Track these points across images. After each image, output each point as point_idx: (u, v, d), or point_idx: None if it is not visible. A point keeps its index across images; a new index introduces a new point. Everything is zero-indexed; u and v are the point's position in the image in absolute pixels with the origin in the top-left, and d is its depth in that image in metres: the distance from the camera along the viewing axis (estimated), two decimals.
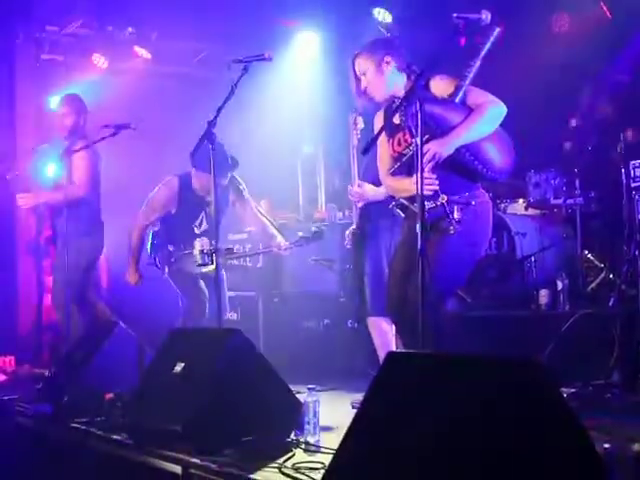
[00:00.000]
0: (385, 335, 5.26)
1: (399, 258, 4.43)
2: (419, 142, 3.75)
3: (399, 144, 4.39)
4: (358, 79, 4.54)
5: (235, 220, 7.49)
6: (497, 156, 4.23)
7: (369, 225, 5.41)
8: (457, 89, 4.19)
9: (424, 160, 3.88)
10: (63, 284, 6.47)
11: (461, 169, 4.21)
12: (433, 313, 4.06)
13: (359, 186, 5.40)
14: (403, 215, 4.44)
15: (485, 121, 4.17)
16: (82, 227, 6.61)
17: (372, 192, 5.35)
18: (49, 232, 6.96)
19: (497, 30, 4.15)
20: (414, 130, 4.08)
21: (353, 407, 4.99)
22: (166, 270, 6.55)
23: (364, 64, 4.51)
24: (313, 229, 6.37)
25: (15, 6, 8.05)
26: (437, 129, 4.10)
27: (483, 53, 4.19)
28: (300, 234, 6.37)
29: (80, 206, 6.59)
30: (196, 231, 6.46)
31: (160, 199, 6.54)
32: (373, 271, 5.33)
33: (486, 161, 4.20)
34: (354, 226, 5.53)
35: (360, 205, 5.48)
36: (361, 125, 5.57)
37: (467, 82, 4.19)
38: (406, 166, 4.30)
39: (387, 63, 4.46)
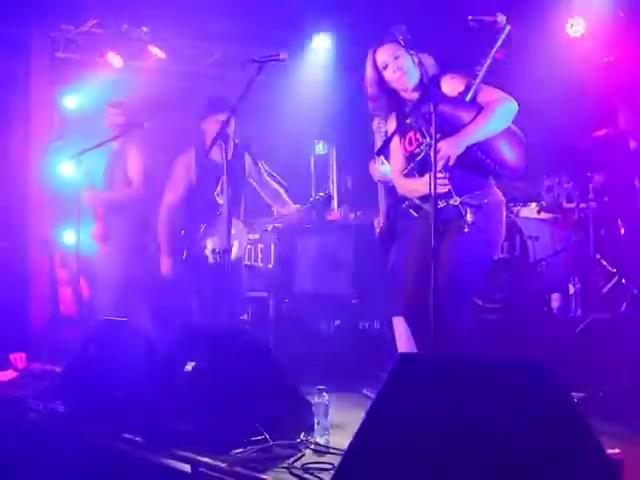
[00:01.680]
0: (409, 335, 5.23)
1: (412, 258, 4.41)
2: (433, 144, 3.76)
3: (410, 143, 4.38)
4: (378, 69, 4.44)
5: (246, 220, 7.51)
6: (510, 153, 4.22)
7: (398, 224, 5.39)
8: (467, 87, 4.19)
9: (437, 159, 3.88)
10: (111, 281, 6.62)
11: (473, 167, 4.20)
12: (454, 314, 4.07)
13: (382, 163, 5.40)
14: (416, 215, 4.44)
15: (496, 118, 4.16)
16: (134, 225, 6.74)
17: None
18: (101, 230, 7.02)
19: (508, 28, 4.14)
20: (424, 130, 4.09)
21: (366, 395, 5.09)
22: (184, 254, 6.43)
23: (395, 49, 4.38)
24: (321, 194, 6.32)
25: (31, 4, 8.06)
26: (448, 128, 4.09)
27: (494, 52, 4.17)
28: (311, 199, 6.33)
29: (133, 205, 6.74)
30: (219, 200, 6.39)
31: (179, 171, 6.47)
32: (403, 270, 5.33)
33: (498, 159, 4.19)
34: (380, 225, 5.54)
35: (383, 203, 5.51)
36: (385, 128, 5.58)
37: (478, 80, 4.18)
38: (418, 166, 4.30)
39: (412, 54, 4.42)
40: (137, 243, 6.81)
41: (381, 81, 4.43)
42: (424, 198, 4.25)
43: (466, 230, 4.06)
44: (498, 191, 4.37)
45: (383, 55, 4.41)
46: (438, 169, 3.90)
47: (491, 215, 4.27)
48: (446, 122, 4.09)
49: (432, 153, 3.80)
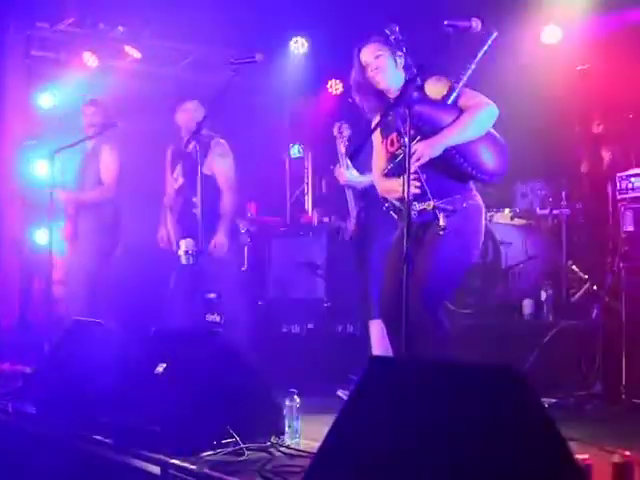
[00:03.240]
0: (385, 339, 5.21)
1: (392, 260, 4.38)
2: (407, 145, 3.78)
3: (392, 144, 4.39)
4: (362, 68, 4.45)
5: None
6: (489, 159, 4.22)
7: (369, 226, 5.41)
8: (450, 90, 4.20)
9: (412, 160, 3.89)
10: (80, 281, 6.59)
11: (452, 171, 4.20)
12: (430, 318, 4.08)
13: (347, 167, 5.46)
14: (396, 217, 4.44)
15: (476, 123, 4.17)
16: (104, 223, 6.74)
17: (357, 177, 5.42)
18: (70, 230, 6.99)
19: (494, 34, 4.17)
20: (402, 131, 4.11)
21: (339, 397, 5.12)
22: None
23: (377, 49, 4.39)
24: None
25: (5, 1, 8.02)
26: (427, 129, 4.11)
27: (480, 56, 4.19)
28: None
29: (104, 205, 6.72)
30: (174, 185, 6.42)
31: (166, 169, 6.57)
32: (378, 273, 5.32)
33: (476, 163, 4.18)
34: (352, 227, 5.55)
35: (352, 202, 5.54)
36: (347, 132, 5.63)
37: (461, 84, 4.19)
38: (397, 167, 4.30)
39: (399, 56, 4.43)
40: (105, 244, 6.80)
41: (365, 80, 4.44)
42: (402, 199, 4.25)
43: (441, 234, 4.06)
44: (478, 196, 4.37)
45: (365, 54, 4.42)
46: (412, 170, 3.91)
47: (470, 219, 4.28)
48: (426, 124, 4.11)
49: (407, 154, 3.81)
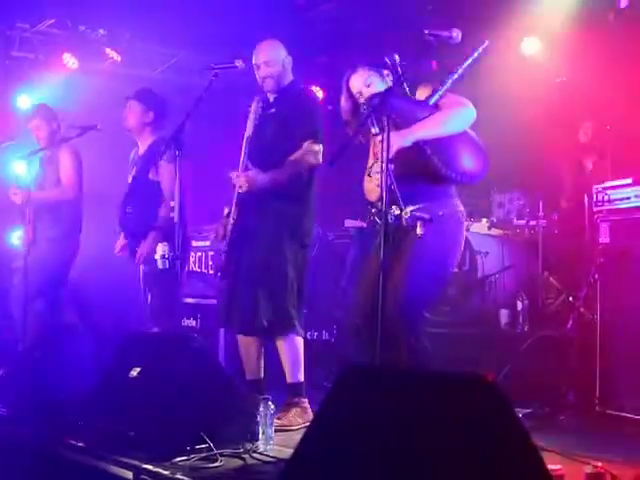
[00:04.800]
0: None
1: (371, 267, 4.35)
2: (383, 142, 3.80)
3: (375, 146, 4.40)
4: (352, 95, 4.48)
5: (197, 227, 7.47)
6: (467, 160, 4.22)
7: (251, 220, 5.05)
8: (433, 92, 4.23)
9: (381, 148, 3.90)
10: (33, 284, 6.50)
11: (428, 173, 4.18)
12: (405, 327, 4.08)
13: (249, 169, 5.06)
14: (379, 222, 4.42)
15: (449, 119, 4.18)
16: (63, 229, 6.65)
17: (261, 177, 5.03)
18: (30, 234, 6.89)
19: (486, 43, 4.20)
20: (374, 122, 4.14)
21: None
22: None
23: (367, 76, 4.45)
24: None
25: None
26: (404, 125, 4.11)
27: (467, 63, 4.22)
28: None
29: (62, 208, 6.64)
30: (129, 179, 6.28)
31: None
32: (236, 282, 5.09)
33: (453, 164, 4.16)
34: (231, 217, 5.07)
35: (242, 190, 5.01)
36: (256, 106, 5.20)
37: (445, 87, 4.22)
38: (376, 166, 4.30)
39: (387, 75, 4.46)
40: (65, 250, 6.73)
41: (356, 107, 4.47)
42: (379, 201, 4.21)
43: (418, 240, 4.04)
44: (458, 202, 4.36)
45: (356, 83, 4.47)
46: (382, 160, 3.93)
47: (448, 226, 4.27)
48: (404, 119, 4.13)
49: (380, 150, 3.84)
